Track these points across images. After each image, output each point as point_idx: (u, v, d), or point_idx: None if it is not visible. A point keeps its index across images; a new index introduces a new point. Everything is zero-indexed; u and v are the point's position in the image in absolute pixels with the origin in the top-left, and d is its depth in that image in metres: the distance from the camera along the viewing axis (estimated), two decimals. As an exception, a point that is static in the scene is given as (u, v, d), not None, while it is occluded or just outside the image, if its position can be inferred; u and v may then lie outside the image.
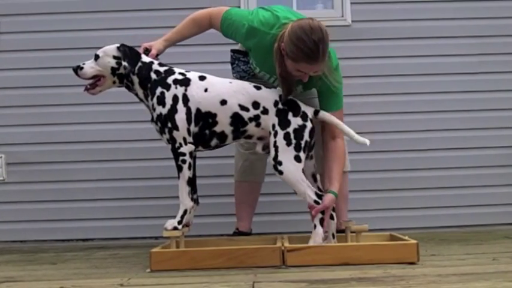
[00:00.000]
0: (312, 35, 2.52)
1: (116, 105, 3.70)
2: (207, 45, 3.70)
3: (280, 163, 2.63)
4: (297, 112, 2.69)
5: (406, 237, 2.66)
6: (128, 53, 2.69)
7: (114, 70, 2.71)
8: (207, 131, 2.70)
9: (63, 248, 3.40)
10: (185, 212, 2.66)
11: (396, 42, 3.81)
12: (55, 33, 3.79)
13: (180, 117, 2.64)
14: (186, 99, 2.67)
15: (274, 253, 2.46)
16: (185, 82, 2.70)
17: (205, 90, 2.70)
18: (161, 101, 2.66)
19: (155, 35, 2.89)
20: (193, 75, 2.73)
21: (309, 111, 2.71)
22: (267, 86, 2.80)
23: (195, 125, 2.68)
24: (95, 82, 2.75)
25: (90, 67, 2.72)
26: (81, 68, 2.72)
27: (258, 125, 2.71)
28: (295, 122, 2.67)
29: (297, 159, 2.64)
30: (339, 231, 2.85)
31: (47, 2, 3.79)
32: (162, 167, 3.64)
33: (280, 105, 2.70)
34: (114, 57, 2.70)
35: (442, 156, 3.79)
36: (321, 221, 2.64)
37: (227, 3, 3.09)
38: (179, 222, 2.63)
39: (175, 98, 2.66)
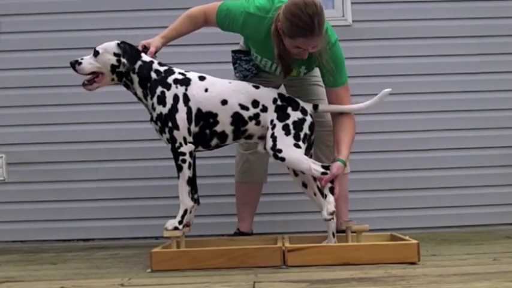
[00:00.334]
0: (306, 9, 2.54)
1: (116, 105, 3.71)
2: (207, 45, 3.71)
3: (279, 151, 2.65)
4: (296, 107, 2.72)
5: (407, 237, 2.65)
6: (128, 50, 2.68)
7: (114, 68, 2.69)
8: (207, 131, 2.70)
9: (64, 248, 3.40)
10: (185, 211, 2.66)
11: (397, 42, 3.81)
12: (55, 33, 3.78)
13: (181, 116, 2.64)
14: (186, 98, 2.67)
15: (274, 253, 2.46)
16: (185, 82, 2.70)
17: (206, 90, 2.70)
18: (162, 101, 2.66)
19: (153, 36, 2.89)
20: (193, 75, 2.74)
21: (308, 107, 2.75)
22: (268, 84, 2.82)
23: (196, 125, 2.68)
24: (93, 78, 2.73)
25: (88, 63, 2.70)
26: (80, 63, 2.70)
27: (258, 123, 2.72)
28: (295, 115, 2.70)
29: (296, 146, 2.65)
30: (339, 231, 2.85)
31: (47, 2, 3.79)
32: (162, 167, 3.64)
33: (279, 102, 2.72)
34: (115, 54, 2.69)
35: (443, 156, 3.79)
36: (331, 190, 2.65)
37: (222, -1, 3.09)
38: (180, 222, 2.63)
39: (175, 98, 2.66)
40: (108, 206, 3.74)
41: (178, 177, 2.67)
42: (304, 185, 2.81)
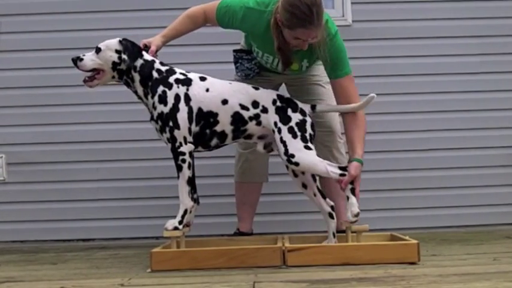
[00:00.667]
0: None
1: (116, 105, 3.71)
2: (207, 45, 3.71)
3: (292, 156, 2.64)
4: (295, 108, 2.73)
5: (407, 237, 2.66)
6: (130, 47, 2.68)
7: (115, 65, 2.69)
8: (207, 131, 2.70)
9: (64, 248, 3.40)
10: (185, 211, 2.66)
11: (397, 42, 3.81)
12: (55, 33, 3.79)
13: (182, 116, 2.64)
14: (188, 98, 2.67)
15: (274, 253, 2.46)
16: (187, 82, 2.70)
17: (207, 90, 2.71)
18: (163, 100, 2.66)
19: (154, 35, 2.89)
20: (194, 76, 2.75)
21: (306, 108, 2.76)
22: (270, 82, 2.87)
23: (196, 125, 2.68)
24: (94, 75, 2.73)
25: (90, 59, 2.69)
26: (81, 60, 2.70)
27: (259, 123, 2.72)
28: (296, 116, 2.70)
29: (307, 148, 2.66)
30: (339, 231, 2.85)
31: (47, 2, 3.79)
32: (162, 167, 3.64)
33: (278, 103, 2.72)
34: (116, 51, 2.69)
35: (443, 156, 3.79)
36: (352, 191, 2.65)
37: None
38: (180, 222, 2.63)
39: (177, 97, 2.66)
40: (108, 206, 3.74)
41: (178, 177, 2.66)
42: (304, 186, 2.82)
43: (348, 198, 2.66)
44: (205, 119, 2.69)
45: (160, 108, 2.66)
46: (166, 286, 2.14)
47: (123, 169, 3.75)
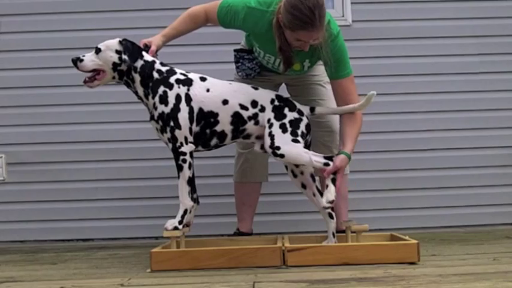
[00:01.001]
0: (306, 1, 2.54)
1: (116, 105, 3.71)
2: (208, 45, 3.71)
3: (278, 148, 2.65)
4: (293, 108, 2.73)
5: (407, 237, 2.65)
6: (130, 47, 2.68)
7: (115, 65, 2.69)
8: (207, 131, 2.71)
9: (64, 248, 3.40)
10: (185, 211, 2.66)
11: (396, 42, 3.81)
12: (55, 33, 3.79)
13: (183, 116, 2.64)
14: (188, 98, 2.67)
15: (274, 253, 2.46)
16: (187, 82, 2.70)
17: (208, 90, 2.71)
18: (164, 100, 2.66)
19: (154, 35, 2.88)
20: (194, 76, 2.75)
21: (305, 109, 2.77)
22: (270, 82, 2.89)
23: (197, 125, 2.69)
24: (94, 75, 2.72)
25: (90, 60, 2.69)
26: (81, 60, 2.69)
27: (257, 123, 2.73)
28: (291, 115, 2.71)
29: (295, 141, 2.66)
30: (339, 231, 2.85)
31: (47, 2, 3.80)
32: (162, 167, 3.64)
33: (276, 103, 2.73)
34: (117, 51, 2.68)
35: (443, 156, 3.79)
36: (333, 181, 2.65)
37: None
38: (180, 222, 2.63)
39: (178, 97, 2.66)
40: (107, 206, 3.74)
41: (179, 177, 2.66)
42: (303, 186, 2.82)
43: (327, 186, 2.66)
44: (206, 119, 2.69)
45: (161, 108, 2.66)
46: (166, 286, 2.14)
47: (122, 169, 3.75)
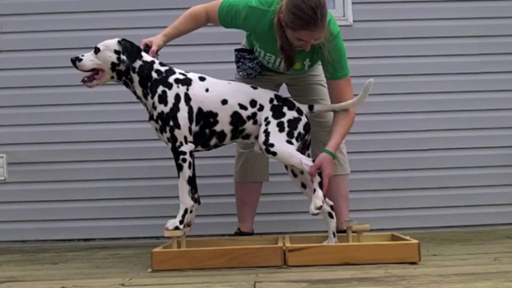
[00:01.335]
0: (308, 1, 2.54)
1: (116, 105, 3.71)
2: (208, 45, 3.71)
3: (271, 145, 2.65)
4: (291, 107, 2.74)
5: (408, 237, 2.65)
6: (129, 47, 2.68)
7: (114, 65, 2.69)
8: (207, 130, 2.71)
9: (65, 248, 3.40)
10: (186, 211, 2.66)
11: (397, 42, 3.81)
12: (55, 33, 3.79)
13: (182, 115, 2.65)
14: (188, 98, 2.67)
15: (275, 253, 2.46)
16: (187, 82, 2.71)
17: (207, 90, 2.71)
18: (163, 100, 2.66)
19: (154, 36, 2.89)
20: (193, 76, 2.75)
21: (304, 108, 2.77)
22: (271, 82, 2.89)
23: (196, 124, 2.69)
24: (93, 75, 2.72)
25: (89, 59, 2.69)
26: (80, 60, 2.70)
27: (255, 122, 2.73)
28: (290, 114, 2.72)
29: (289, 142, 2.67)
30: (340, 231, 2.85)
31: (47, 2, 3.80)
32: (162, 166, 3.64)
33: (275, 102, 2.74)
34: (115, 51, 2.69)
35: (443, 156, 3.79)
36: (320, 185, 2.65)
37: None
38: (180, 222, 2.63)
39: (177, 97, 2.66)
40: (108, 206, 3.74)
41: (179, 176, 2.66)
42: (303, 186, 2.82)
43: (314, 190, 2.66)
44: (205, 118, 2.69)
45: (161, 108, 2.66)
46: (167, 286, 2.14)
47: (123, 169, 3.76)
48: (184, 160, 2.65)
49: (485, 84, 3.82)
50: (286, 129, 2.68)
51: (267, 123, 2.69)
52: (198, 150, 2.76)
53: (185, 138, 2.66)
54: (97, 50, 2.70)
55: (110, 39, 2.72)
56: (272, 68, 2.98)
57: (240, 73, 3.04)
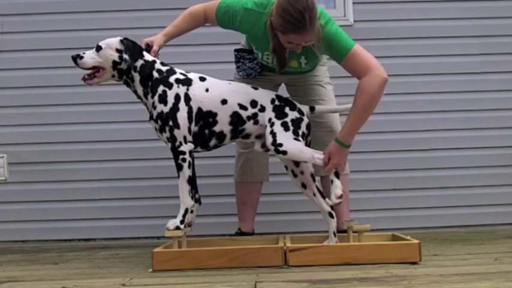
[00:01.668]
0: (296, 4, 2.53)
1: (116, 105, 3.71)
2: (208, 45, 3.71)
3: (280, 145, 2.66)
4: (293, 108, 2.75)
5: (408, 237, 2.66)
6: (131, 47, 2.68)
7: (115, 64, 2.69)
8: (206, 131, 2.71)
9: (65, 248, 3.41)
10: (186, 211, 2.66)
11: (398, 42, 3.81)
12: (55, 33, 3.79)
13: (182, 115, 2.65)
14: (188, 98, 2.68)
15: (276, 253, 2.46)
16: (187, 82, 2.71)
17: (207, 90, 2.71)
18: (163, 99, 2.66)
19: (155, 35, 2.89)
20: (194, 76, 2.75)
21: (305, 108, 2.78)
22: (270, 82, 2.90)
23: (196, 124, 2.69)
24: (94, 73, 2.72)
25: (90, 57, 2.69)
26: (81, 57, 2.69)
27: (256, 122, 2.73)
28: (293, 114, 2.72)
29: (296, 140, 2.67)
30: (340, 231, 2.85)
31: (47, 2, 3.80)
32: (163, 166, 3.64)
33: (276, 102, 2.74)
34: (117, 50, 2.69)
35: (444, 156, 3.79)
36: (336, 174, 2.66)
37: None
38: (181, 222, 2.63)
39: (177, 97, 2.66)
40: (109, 206, 3.74)
41: (178, 176, 2.66)
42: (304, 186, 2.82)
43: (332, 181, 2.67)
44: (205, 119, 2.69)
45: (161, 107, 2.66)
46: (168, 286, 2.14)
47: (124, 169, 3.76)
48: (184, 160, 2.65)
49: (485, 84, 3.82)
50: (291, 128, 2.68)
51: (271, 124, 2.70)
52: (197, 151, 2.76)
53: (184, 138, 2.66)
54: (98, 48, 2.70)
55: (112, 38, 2.72)
56: (272, 67, 2.98)
57: (240, 73, 3.04)
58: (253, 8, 2.74)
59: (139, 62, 2.70)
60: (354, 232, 2.77)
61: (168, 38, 2.88)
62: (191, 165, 2.68)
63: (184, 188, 2.66)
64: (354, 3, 3.80)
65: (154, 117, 2.69)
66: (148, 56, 2.74)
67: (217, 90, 2.73)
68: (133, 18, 3.77)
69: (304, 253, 2.46)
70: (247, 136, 2.78)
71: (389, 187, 3.77)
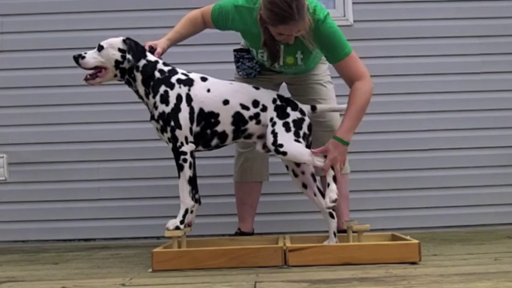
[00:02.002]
0: None
1: (117, 105, 3.71)
2: (207, 45, 3.71)
3: (281, 145, 2.66)
4: (295, 107, 2.75)
5: (408, 237, 2.66)
6: (134, 47, 2.68)
7: (117, 63, 2.69)
8: (208, 131, 2.71)
9: (65, 248, 3.41)
10: (186, 211, 2.66)
11: (398, 42, 3.81)
12: (55, 33, 3.79)
13: (184, 116, 2.65)
14: (189, 98, 2.68)
15: (276, 253, 2.46)
16: (189, 82, 2.71)
17: (208, 90, 2.72)
18: (165, 100, 2.66)
19: (157, 35, 2.90)
20: (195, 76, 2.75)
21: (306, 108, 2.79)
22: (270, 81, 2.91)
23: (197, 125, 2.69)
24: (96, 73, 2.72)
25: (92, 57, 2.69)
26: (83, 57, 2.69)
27: (258, 122, 2.74)
28: (294, 114, 2.73)
29: (297, 141, 2.67)
30: (340, 231, 2.85)
31: (47, 2, 3.80)
32: (163, 166, 3.65)
33: (278, 102, 2.75)
34: (120, 49, 2.68)
35: (444, 156, 3.80)
36: (334, 179, 2.65)
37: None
38: (181, 222, 2.63)
39: (179, 97, 2.66)
40: (109, 206, 3.74)
41: (179, 176, 2.67)
42: (304, 186, 2.82)
43: (328, 184, 2.67)
44: (207, 119, 2.70)
45: (162, 107, 2.66)
46: (168, 286, 2.14)
47: (124, 169, 3.76)
48: (185, 160, 2.65)
49: (486, 84, 3.82)
50: (293, 129, 2.68)
51: (273, 124, 2.70)
52: (199, 150, 2.76)
53: (186, 138, 2.66)
54: (100, 48, 2.70)
55: (114, 38, 2.72)
56: (270, 67, 2.98)
57: (240, 73, 3.05)
58: (244, 5, 2.76)
59: (142, 62, 2.70)
60: (353, 232, 2.77)
61: (171, 43, 2.88)
62: (192, 166, 2.68)
63: (184, 189, 2.66)
64: (353, 3, 3.81)
65: (155, 117, 2.69)
66: (151, 56, 2.74)
67: (219, 90, 2.73)
68: (134, 18, 3.77)
69: (304, 253, 2.46)
70: (250, 136, 2.78)
71: (389, 187, 3.77)
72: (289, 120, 2.70)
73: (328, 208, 2.69)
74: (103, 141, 3.76)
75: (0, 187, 3.75)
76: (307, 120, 2.74)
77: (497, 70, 3.82)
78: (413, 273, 2.20)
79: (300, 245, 2.54)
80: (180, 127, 2.64)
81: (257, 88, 2.79)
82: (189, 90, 2.69)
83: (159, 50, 2.79)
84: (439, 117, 3.80)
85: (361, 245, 2.56)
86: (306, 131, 2.72)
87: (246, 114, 2.72)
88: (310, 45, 2.73)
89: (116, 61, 2.68)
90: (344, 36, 2.74)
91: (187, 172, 2.66)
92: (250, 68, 3.00)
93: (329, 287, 2.00)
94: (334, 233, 2.75)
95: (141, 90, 2.73)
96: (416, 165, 3.79)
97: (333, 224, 2.76)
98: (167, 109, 2.65)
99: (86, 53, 2.70)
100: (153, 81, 2.70)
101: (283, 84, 3.19)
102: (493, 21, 3.84)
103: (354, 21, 3.81)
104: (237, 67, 3.04)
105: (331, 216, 2.76)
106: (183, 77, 2.72)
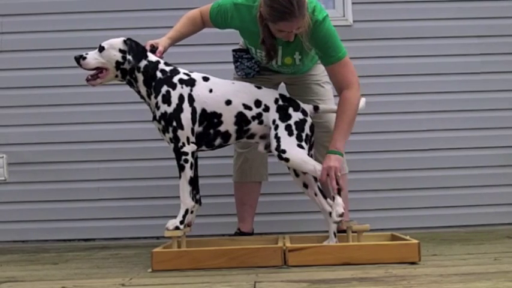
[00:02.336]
0: None
1: (117, 105, 3.71)
2: (207, 45, 3.71)
3: (284, 151, 2.66)
4: (297, 108, 2.74)
5: (408, 237, 2.66)
6: (134, 47, 2.68)
7: (118, 64, 2.69)
8: (211, 131, 2.71)
9: (65, 248, 3.41)
10: (186, 211, 2.66)
11: (398, 42, 3.81)
12: (55, 33, 3.79)
13: (186, 116, 2.65)
14: (191, 99, 2.68)
15: (275, 253, 2.46)
16: (190, 82, 2.71)
17: (210, 90, 2.71)
18: (167, 100, 2.66)
19: (158, 35, 2.90)
20: (197, 76, 2.75)
21: (308, 108, 2.79)
22: (269, 82, 2.90)
23: (199, 125, 2.69)
24: (97, 74, 2.72)
25: (93, 58, 2.69)
26: (84, 58, 2.69)
27: (261, 122, 2.74)
28: (296, 115, 2.72)
29: (300, 147, 2.67)
30: (340, 231, 2.85)
31: (47, 2, 3.80)
32: (163, 167, 3.65)
33: (280, 102, 2.74)
34: (120, 50, 2.69)
35: (444, 156, 3.79)
36: (338, 192, 2.65)
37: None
38: (181, 222, 2.63)
39: (181, 98, 2.66)
40: (109, 206, 3.74)
41: (180, 177, 2.67)
42: (305, 186, 2.82)
43: (333, 198, 2.67)
44: (209, 119, 2.70)
45: (164, 108, 2.66)
46: (167, 286, 2.14)
47: (124, 169, 3.76)
48: (186, 161, 2.65)
49: (486, 84, 3.82)
50: (295, 132, 2.68)
51: (276, 126, 2.70)
52: (201, 150, 2.76)
53: (187, 139, 2.66)
54: (101, 49, 2.70)
55: (115, 38, 2.72)
56: (269, 66, 2.98)
57: (239, 73, 3.04)
58: (243, 3, 2.76)
59: (143, 63, 2.70)
60: (353, 232, 2.77)
61: (172, 42, 2.88)
62: (193, 166, 2.68)
63: (185, 189, 2.66)
64: (353, 3, 3.80)
65: (157, 117, 2.68)
66: (152, 57, 2.73)
67: (221, 90, 2.73)
68: (134, 18, 3.77)
69: (304, 253, 2.46)
70: (252, 136, 2.78)
71: (389, 187, 3.77)
72: (291, 122, 2.70)
73: (335, 223, 2.69)
74: (103, 141, 3.76)
75: (0, 187, 3.75)
76: (309, 120, 2.74)
77: (497, 70, 3.82)
78: (412, 273, 2.20)
79: (300, 245, 2.54)
80: (182, 127, 2.64)
81: (259, 87, 2.79)
82: (191, 90, 2.69)
83: (160, 48, 2.79)
84: (439, 117, 3.80)
85: (360, 245, 2.56)
86: (308, 132, 2.72)
87: (249, 114, 2.72)
88: (306, 46, 2.74)
89: (117, 62, 2.68)
90: (340, 41, 2.75)
91: (188, 172, 2.66)
92: (249, 68, 3.00)
93: (329, 287, 2.00)
94: (335, 233, 2.75)
95: (143, 90, 2.73)
96: (416, 165, 3.79)
97: (333, 224, 2.74)
98: (169, 109, 2.65)
99: (87, 54, 2.70)
100: (154, 82, 2.70)
101: (282, 84, 3.19)
102: (493, 21, 3.84)
103: (354, 21, 3.81)
104: (236, 67, 3.04)
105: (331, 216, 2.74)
106: (185, 77, 2.72)
